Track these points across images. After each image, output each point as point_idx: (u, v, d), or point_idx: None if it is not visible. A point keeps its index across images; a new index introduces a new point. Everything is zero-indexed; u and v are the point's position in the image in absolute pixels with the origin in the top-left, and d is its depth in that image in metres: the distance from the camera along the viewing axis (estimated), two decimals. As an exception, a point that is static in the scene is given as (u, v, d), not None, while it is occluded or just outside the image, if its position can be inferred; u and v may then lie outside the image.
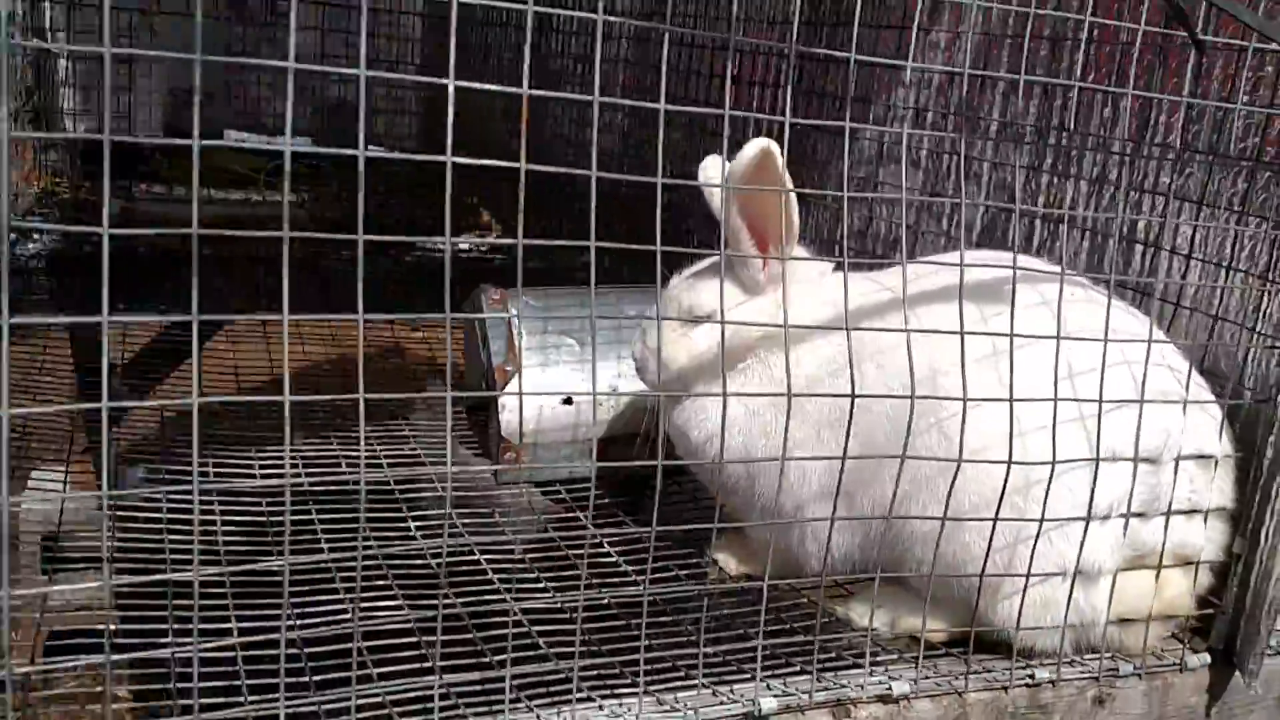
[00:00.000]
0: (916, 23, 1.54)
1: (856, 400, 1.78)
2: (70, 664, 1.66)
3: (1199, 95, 2.39)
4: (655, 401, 2.48)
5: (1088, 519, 1.95)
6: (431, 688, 1.76)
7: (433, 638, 1.94)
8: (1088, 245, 2.70)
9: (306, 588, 2.07)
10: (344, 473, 2.74)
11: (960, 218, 3.04)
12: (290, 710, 1.60)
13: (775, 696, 1.86)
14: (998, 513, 1.89)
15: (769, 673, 1.92)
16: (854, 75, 1.81)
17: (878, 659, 2.04)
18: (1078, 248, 2.70)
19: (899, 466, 1.85)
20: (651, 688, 1.83)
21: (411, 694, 1.76)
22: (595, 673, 1.90)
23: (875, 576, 1.97)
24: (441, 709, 1.69)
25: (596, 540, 2.47)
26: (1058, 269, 2.11)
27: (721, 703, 1.84)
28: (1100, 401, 1.92)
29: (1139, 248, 2.58)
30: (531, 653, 1.96)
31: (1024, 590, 1.98)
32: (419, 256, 4.84)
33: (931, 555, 2.01)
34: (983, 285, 2.07)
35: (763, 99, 3.56)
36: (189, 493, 2.35)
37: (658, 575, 2.35)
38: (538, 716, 1.77)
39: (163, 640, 1.87)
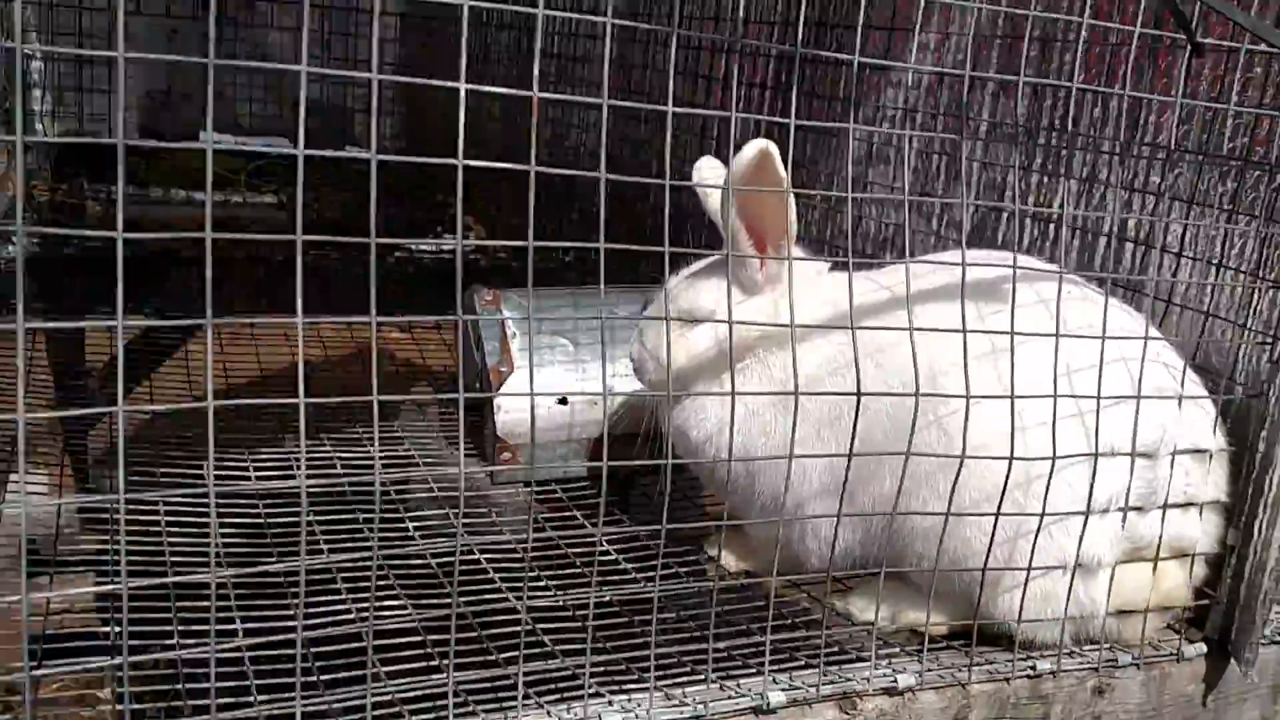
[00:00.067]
0: (919, 25, 1.55)
1: (854, 400, 1.79)
2: (79, 667, 1.67)
3: (1189, 96, 2.42)
4: (653, 402, 2.49)
5: (1087, 513, 1.98)
6: (440, 686, 1.78)
7: (438, 636, 1.96)
8: (1078, 244, 2.74)
9: (309, 589, 2.06)
10: (357, 475, 2.73)
11: (949, 217, 3.06)
12: (298, 710, 1.61)
13: (782, 690, 1.88)
14: (999, 508, 1.92)
15: (774, 667, 1.94)
16: (856, 77, 1.83)
17: (881, 652, 2.06)
18: (1068, 246, 2.73)
19: (903, 463, 1.87)
20: (660, 683, 1.85)
21: (422, 693, 1.77)
22: (602, 669, 1.91)
23: (879, 572, 1.99)
24: (454, 707, 1.70)
25: (595, 539, 2.48)
26: (1055, 268, 2.14)
27: (729, 697, 1.86)
28: (1099, 398, 1.95)
29: (1129, 246, 2.61)
30: (537, 650, 1.97)
31: (1025, 584, 2.01)
32: (402, 257, 4.84)
33: (932, 550, 2.03)
34: (979, 284, 2.09)
35: (750, 99, 3.58)
36: (194, 495, 2.34)
37: (662, 574, 2.36)
38: (548, 713, 1.78)
39: (169, 642, 1.87)
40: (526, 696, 1.77)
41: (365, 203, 1.59)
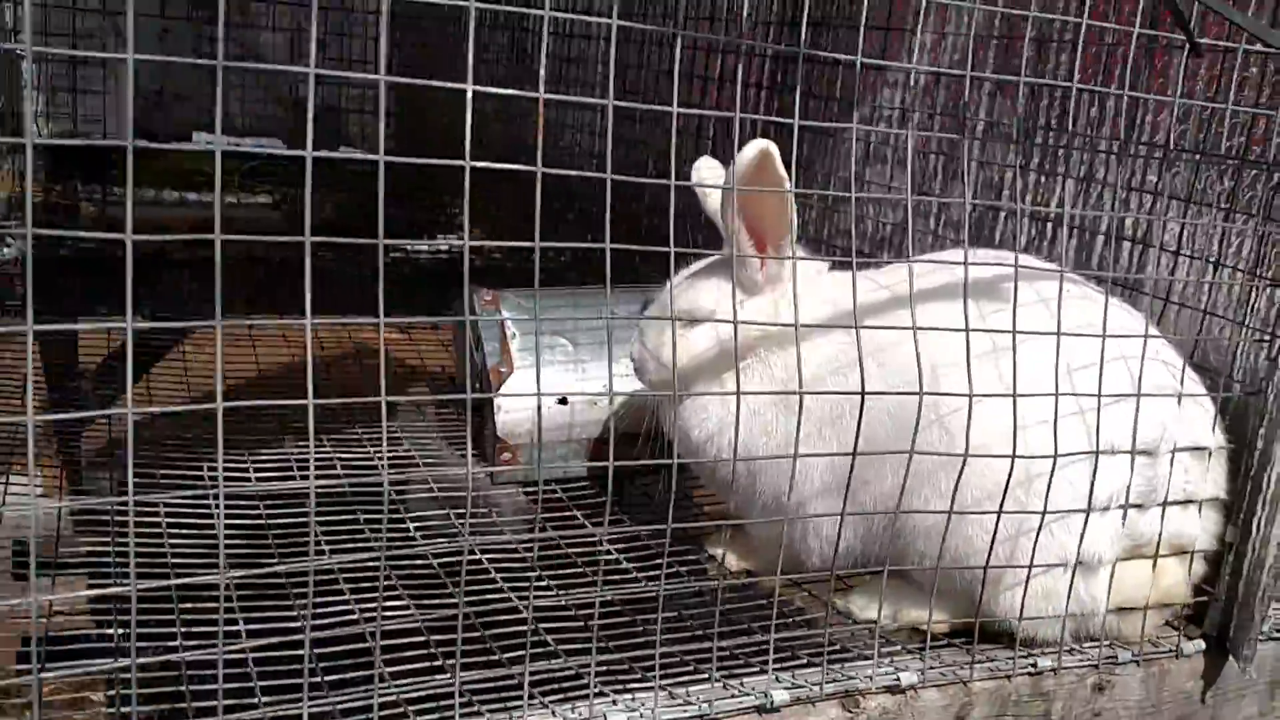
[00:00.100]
0: (920, 25, 1.56)
1: (856, 398, 1.80)
2: (85, 669, 1.67)
3: (1185, 96, 2.43)
4: (654, 401, 2.49)
5: (1088, 511, 1.99)
6: (443, 686, 1.78)
7: (441, 637, 1.96)
8: (1075, 243, 2.75)
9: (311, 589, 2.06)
10: (358, 475, 2.72)
11: (946, 216, 3.07)
12: (300, 711, 1.61)
13: (786, 689, 1.88)
14: (1001, 506, 1.92)
15: (777, 666, 1.94)
16: (857, 77, 1.84)
17: (882, 650, 2.07)
18: (1066, 245, 2.74)
19: (908, 462, 1.87)
20: (663, 682, 1.85)
21: (426, 693, 1.77)
22: (605, 669, 1.91)
23: (882, 571, 2.00)
24: (459, 707, 1.70)
25: (596, 539, 2.48)
26: (1055, 267, 2.15)
27: (733, 696, 1.87)
28: (1099, 396, 1.96)
29: (1126, 245, 2.62)
30: (540, 650, 1.97)
31: (1026, 582, 2.02)
32: (398, 258, 4.84)
33: (933, 549, 2.04)
34: (980, 283, 2.10)
35: (745, 99, 3.59)
36: (198, 496, 2.34)
37: (662, 573, 2.37)
38: (553, 713, 1.79)
39: (172, 644, 1.87)
40: (531, 696, 1.77)
41: (360, 203, 1.58)
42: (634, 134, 4.22)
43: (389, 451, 2.91)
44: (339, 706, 1.72)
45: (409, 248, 4.83)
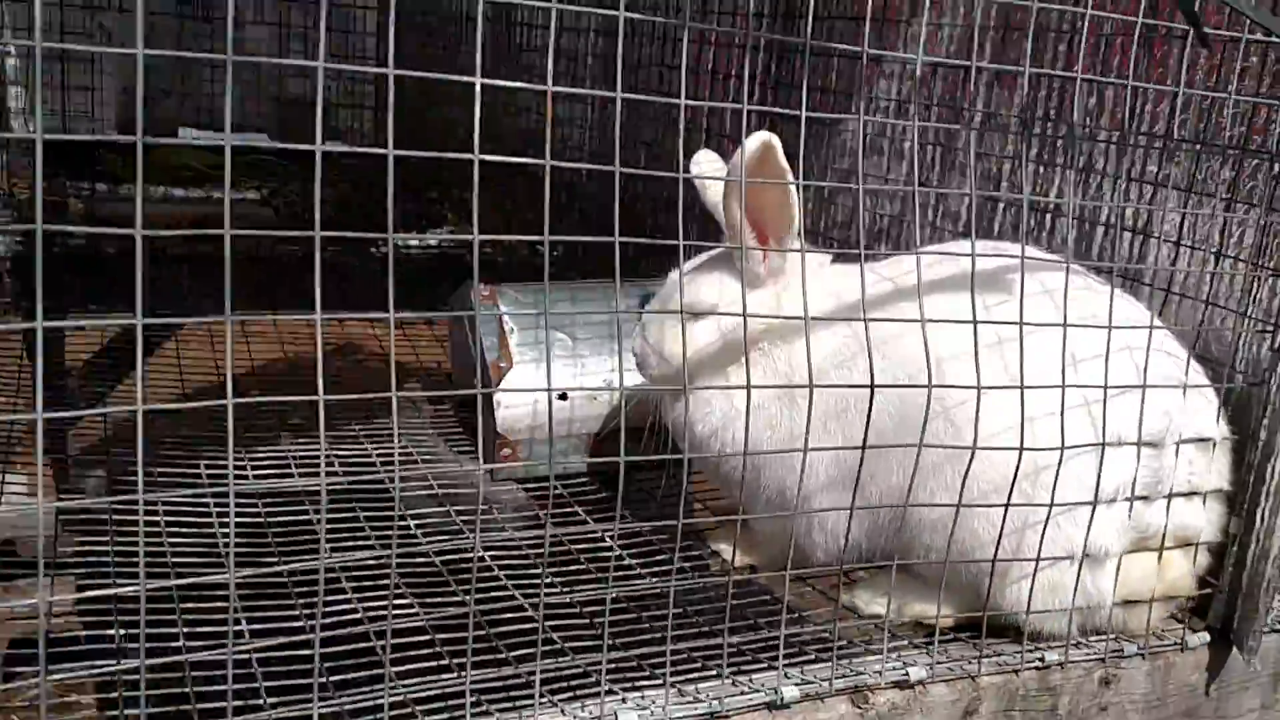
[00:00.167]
0: (926, 17, 1.55)
1: (861, 392, 1.79)
2: (87, 671, 1.65)
3: (1185, 85, 2.43)
4: (657, 396, 2.48)
5: (1094, 503, 1.98)
6: (450, 685, 1.77)
7: (447, 635, 1.95)
8: (1074, 233, 2.74)
9: (312, 589, 2.04)
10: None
11: (945, 208, 3.07)
12: (309, 711, 1.59)
13: (795, 685, 1.87)
14: (1009, 499, 1.92)
15: (785, 662, 1.93)
16: (862, 67, 1.83)
17: (890, 645, 2.06)
18: (1065, 236, 2.73)
19: (916, 455, 1.87)
20: (672, 679, 1.84)
21: (434, 693, 1.76)
22: (613, 666, 1.90)
23: (890, 565, 1.98)
24: (469, 706, 1.69)
25: (598, 535, 2.47)
26: (1058, 258, 2.15)
27: (743, 692, 1.86)
28: (1105, 387, 1.95)
29: (1127, 235, 2.62)
30: (547, 649, 1.96)
31: (1034, 575, 2.01)
32: (388, 253, 4.80)
33: (940, 542, 2.04)
34: (982, 275, 2.09)
35: (740, 92, 3.57)
36: (196, 495, 2.32)
37: (664, 569, 2.36)
38: (563, 711, 1.78)
39: (175, 645, 1.85)
40: (541, 695, 1.76)
41: (350, 198, 1.56)
42: (629, 128, 4.22)
43: (387, 449, 2.89)
44: (346, 707, 1.71)
45: (399, 242, 4.81)
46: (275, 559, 2.21)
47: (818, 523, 2.23)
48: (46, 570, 2.18)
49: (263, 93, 6.38)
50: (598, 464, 2.81)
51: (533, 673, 1.74)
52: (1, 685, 1.91)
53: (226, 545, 2.26)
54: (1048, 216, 2.81)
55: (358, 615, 1.98)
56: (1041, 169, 2.83)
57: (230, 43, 1.36)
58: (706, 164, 2.48)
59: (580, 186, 4.31)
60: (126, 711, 1.62)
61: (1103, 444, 1.97)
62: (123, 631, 1.90)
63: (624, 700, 1.81)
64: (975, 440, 1.86)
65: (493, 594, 2.16)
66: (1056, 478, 1.94)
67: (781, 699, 1.84)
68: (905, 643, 2.11)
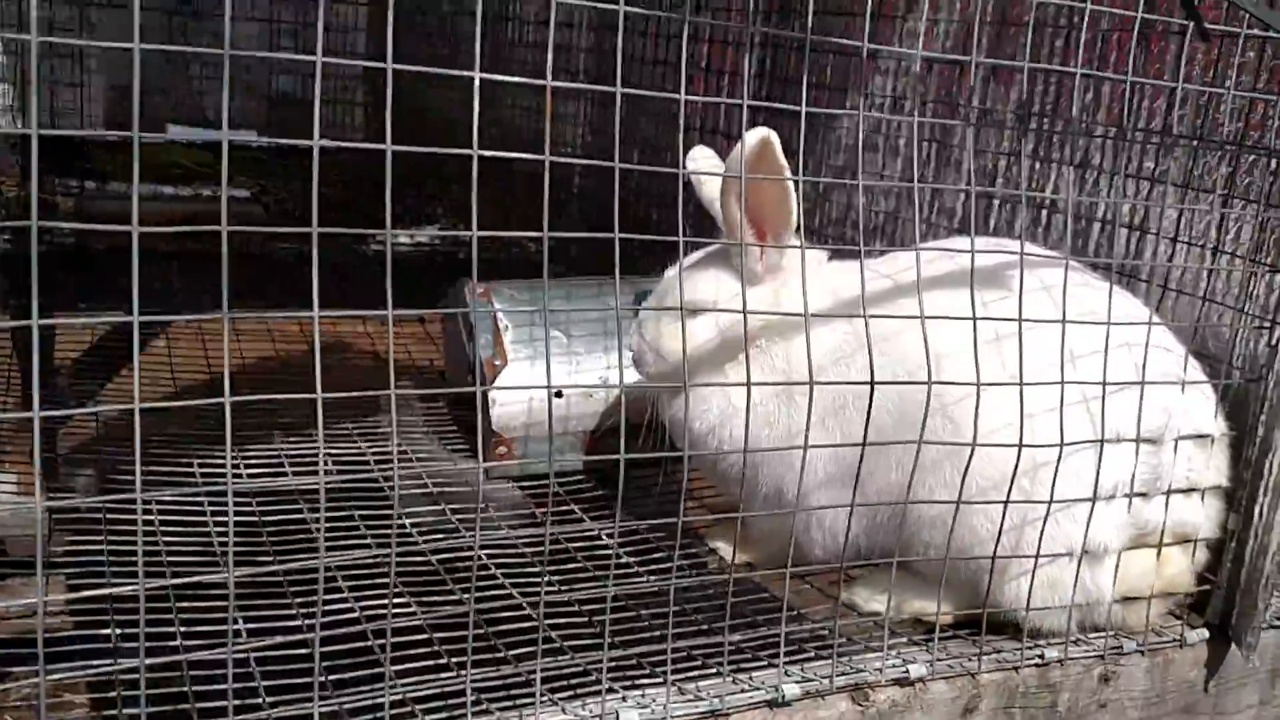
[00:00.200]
0: (925, 10, 1.54)
1: (859, 389, 1.78)
2: (87, 671, 1.63)
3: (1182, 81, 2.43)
4: (654, 394, 2.47)
5: (1094, 499, 1.98)
6: (449, 685, 1.76)
7: (445, 634, 1.93)
8: (1070, 229, 2.74)
9: (308, 588, 2.03)
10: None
11: (939, 204, 3.06)
12: (307, 711, 1.58)
13: (796, 683, 1.87)
14: (1008, 496, 1.91)
15: (785, 659, 1.92)
16: (864, 63, 1.82)
17: (890, 642, 2.06)
18: (1061, 232, 2.73)
19: (915, 452, 1.86)
20: (673, 678, 1.83)
21: (433, 692, 1.75)
22: (613, 665, 1.89)
23: (890, 562, 1.98)
24: (470, 705, 1.68)
25: (595, 533, 2.46)
26: (1057, 255, 2.14)
27: (743, 690, 1.85)
28: (1104, 384, 1.95)
29: (1123, 231, 2.62)
30: (546, 647, 1.95)
31: (1033, 572, 2.01)
32: (377, 249, 4.78)
33: (938, 539, 2.04)
34: (981, 271, 2.08)
35: (734, 88, 3.57)
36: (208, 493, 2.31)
37: (661, 566, 2.35)
38: (563, 710, 1.77)
39: (172, 644, 1.84)
40: (541, 694, 1.75)
41: (338, 195, 1.54)
42: (613, 123, 4.17)
43: (380, 447, 2.88)
44: (346, 706, 1.69)
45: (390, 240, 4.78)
46: (270, 558, 2.19)
47: (816, 520, 2.22)
48: (32, 570, 2.16)
49: (251, 89, 6.35)
50: (594, 462, 2.80)
51: (532, 671, 1.73)
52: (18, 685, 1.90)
53: (221, 544, 2.25)
54: (1043, 212, 2.81)
55: (355, 614, 1.97)
56: (1038, 165, 2.82)
57: (228, 38, 1.35)
58: (703, 160, 2.47)
59: (569, 182, 4.29)
60: (125, 711, 1.61)
61: (1101, 440, 1.97)
62: (119, 631, 1.88)
63: (624, 699, 1.80)
64: (975, 437, 1.85)
65: (490, 593, 2.15)
66: (1056, 474, 1.93)
67: (783, 697, 1.83)
68: (905, 640, 2.10)
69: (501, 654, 1.92)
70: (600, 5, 1.59)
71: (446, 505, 2.55)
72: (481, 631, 1.96)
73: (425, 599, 2.10)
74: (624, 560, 2.38)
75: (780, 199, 2.13)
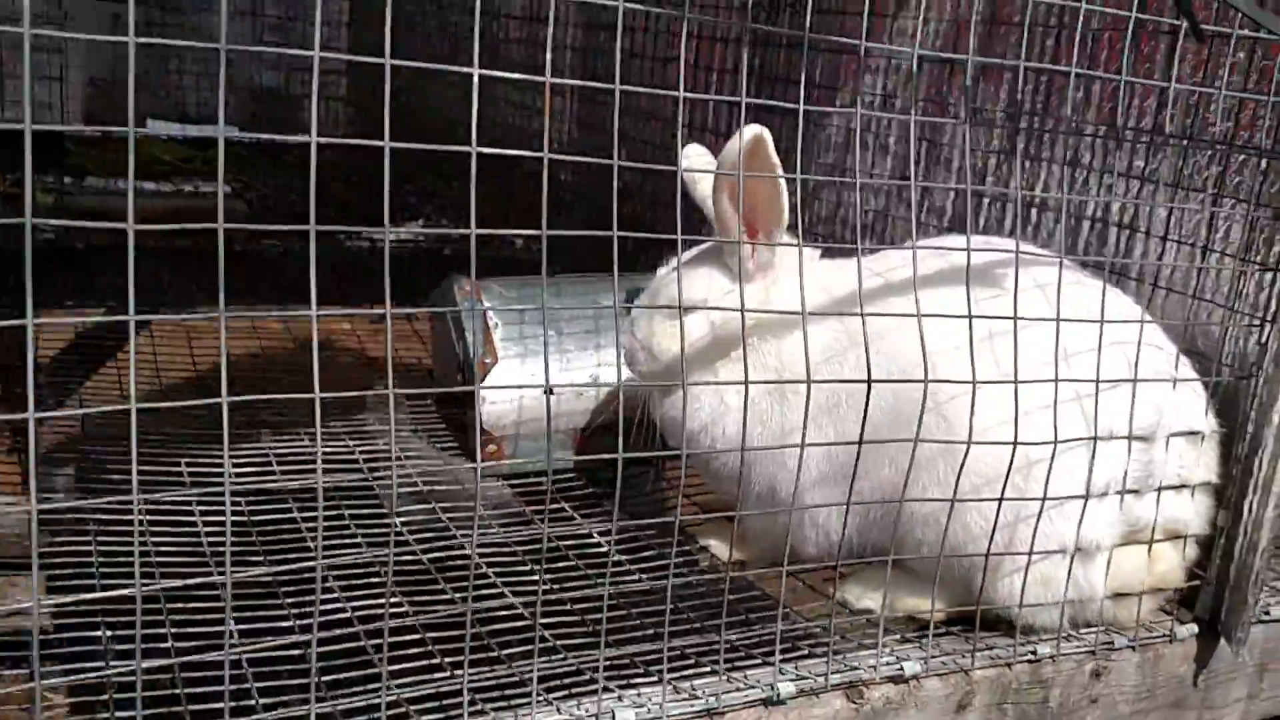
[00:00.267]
0: (922, 10, 1.54)
1: (851, 387, 1.78)
2: (87, 673, 1.62)
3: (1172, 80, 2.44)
4: (646, 392, 2.46)
5: (1086, 497, 1.99)
6: (444, 685, 1.75)
7: (438, 635, 1.93)
8: (1060, 228, 2.75)
9: (299, 589, 2.02)
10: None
11: (930, 203, 3.07)
12: (302, 713, 1.57)
13: (791, 681, 1.87)
14: (1003, 493, 1.92)
15: (780, 658, 1.93)
16: (862, 61, 1.82)
17: (883, 640, 2.06)
18: (1053, 231, 2.74)
19: (911, 450, 1.86)
20: (668, 676, 1.83)
21: (428, 692, 1.74)
22: (607, 664, 1.89)
23: (885, 560, 1.98)
24: (466, 706, 1.67)
25: (587, 532, 2.45)
26: (1049, 253, 2.15)
27: (739, 689, 1.85)
28: (1097, 381, 1.96)
29: (1113, 230, 2.62)
30: (539, 646, 1.94)
31: (1026, 569, 2.02)
32: (363, 245, 4.77)
33: (932, 536, 2.04)
34: (974, 269, 2.09)
35: (722, 85, 3.56)
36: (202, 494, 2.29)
37: (652, 564, 2.35)
38: (559, 710, 1.76)
39: (164, 645, 1.82)
40: (536, 694, 1.74)
41: (323, 190, 1.53)
42: (605, 120, 4.19)
43: (368, 446, 2.86)
44: (340, 707, 1.68)
45: (375, 236, 4.77)
46: (260, 559, 2.18)
47: (809, 518, 2.22)
48: (22, 570, 2.14)
49: (234, 85, 6.31)
50: (585, 460, 2.79)
51: (527, 671, 1.72)
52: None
53: (212, 545, 2.23)
54: (1034, 211, 2.82)
55: (347, 615, 1.96)
56: (1028, 164, 2.83)
57: (225, 33, 1.34)
58: (696, 158, 2.46)
59: (564, 180, 4.29)
60: (117, 715, 1.60)
61: (1094, 438, 1.98)
62: (109, 633, 1.86)
63: (620, 698, 1.79)
64: (970, 435, 1.86)
65: (483, 592, 2.14)
66: (1049, 472, 1.94)
67: (778, 695, 1.83)
68: (898, 637, 2.11)
69: (496, 654, 1.91)
70: (600, 1, 1.58)
71: (437, 504, 2.54)
72: (476, 631, 1.95)
73: (418, 599, 2.09)
74: (615, 558, 2.37)
75: (772, 196, 2.12)
